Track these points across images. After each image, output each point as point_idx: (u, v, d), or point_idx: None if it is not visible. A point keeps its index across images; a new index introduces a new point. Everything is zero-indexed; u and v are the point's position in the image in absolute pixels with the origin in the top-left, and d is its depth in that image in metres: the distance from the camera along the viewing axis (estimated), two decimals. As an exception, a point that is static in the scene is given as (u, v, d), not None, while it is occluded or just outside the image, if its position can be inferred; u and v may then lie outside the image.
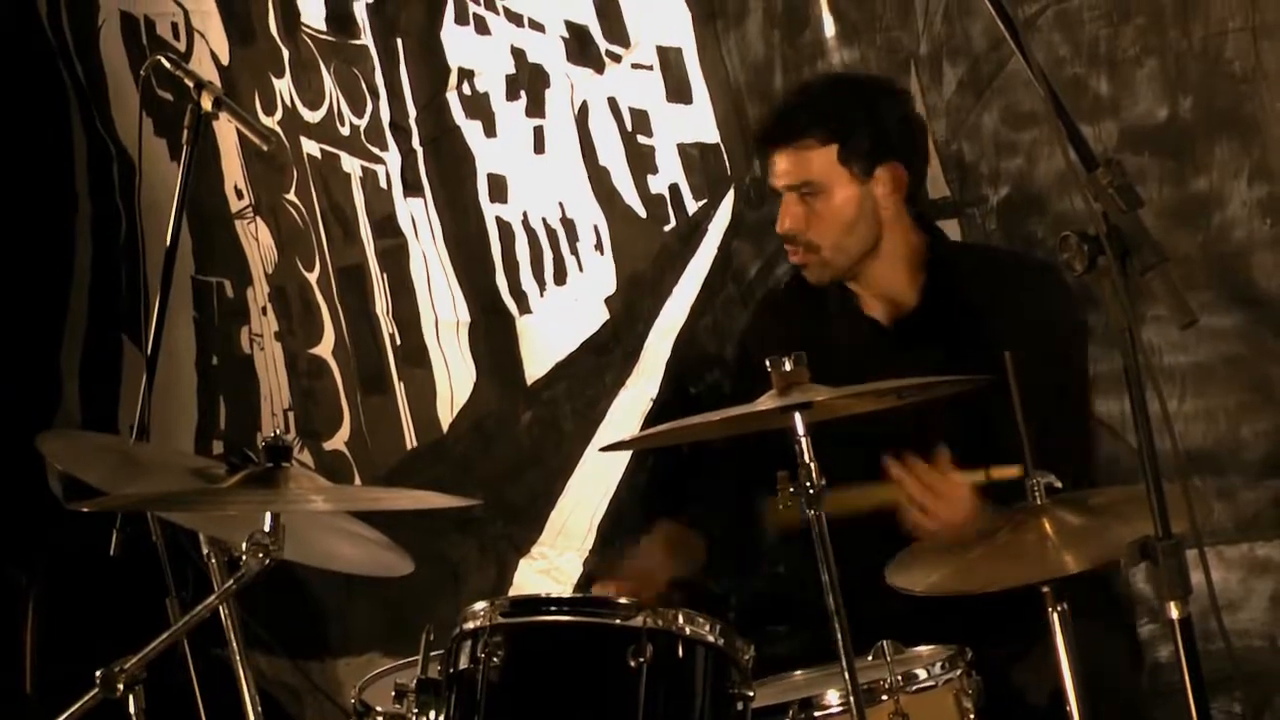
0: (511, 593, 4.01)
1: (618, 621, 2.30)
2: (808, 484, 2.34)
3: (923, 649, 2.57)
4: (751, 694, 2.34)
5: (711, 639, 2.34)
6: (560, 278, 4.15)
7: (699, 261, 3.91)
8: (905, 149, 2.96)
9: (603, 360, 4.06)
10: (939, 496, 2.70)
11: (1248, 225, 3.21)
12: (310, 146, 4.41)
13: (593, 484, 4.09)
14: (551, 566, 3.98)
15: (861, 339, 2.98)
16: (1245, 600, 3.20)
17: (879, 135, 2.92)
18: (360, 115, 4.31)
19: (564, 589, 3.78)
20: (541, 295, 4.22)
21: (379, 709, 2.45)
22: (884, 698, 2.44)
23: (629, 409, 4.02)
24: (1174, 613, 2.03)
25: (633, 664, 2.25)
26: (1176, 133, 3.27)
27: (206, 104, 2.89)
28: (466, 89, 4.22)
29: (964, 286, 2.95)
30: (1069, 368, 2.91)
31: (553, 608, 2.42)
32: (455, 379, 4.34)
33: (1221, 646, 2.60)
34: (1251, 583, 3.28)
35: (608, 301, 4.07)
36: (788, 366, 2.43)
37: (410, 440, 4.38)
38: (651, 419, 3.83)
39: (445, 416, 4.33)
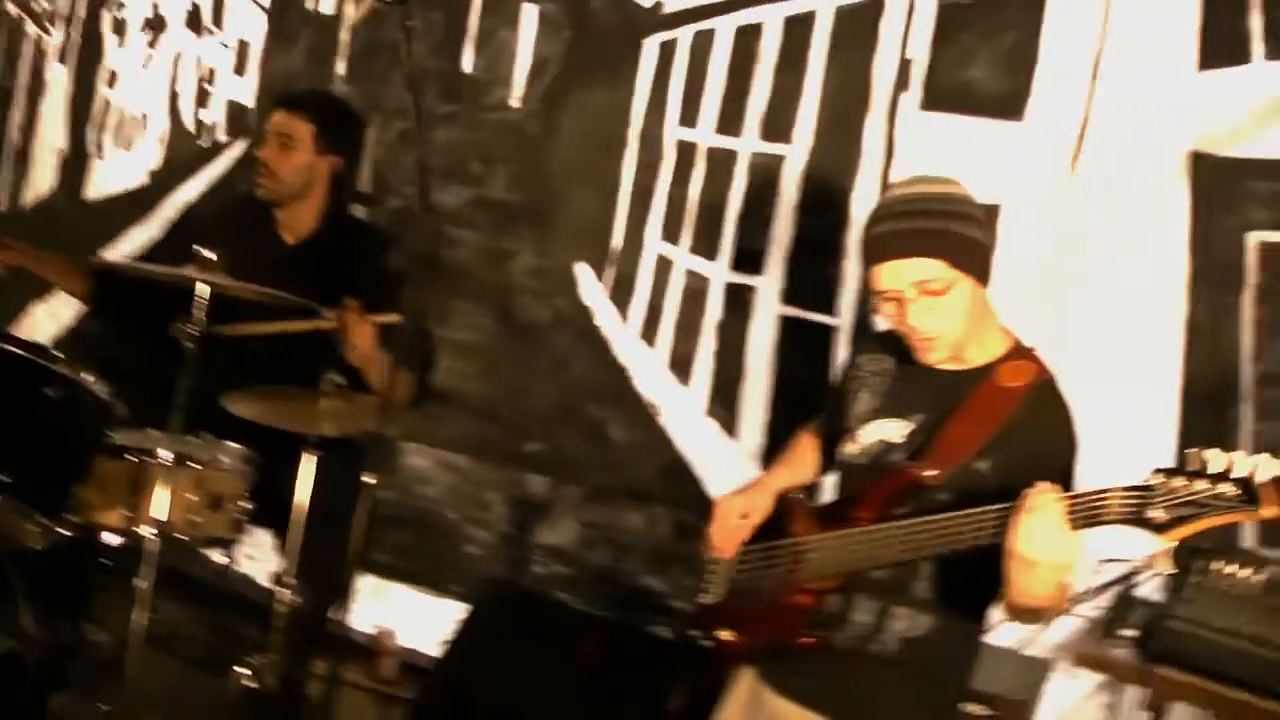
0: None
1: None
2: (199, 329, 2.73)
3: (229, 444, 2.92)
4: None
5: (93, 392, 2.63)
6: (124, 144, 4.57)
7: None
8: (348, 149, 3.33)
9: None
10: (355, 332, 2.91)
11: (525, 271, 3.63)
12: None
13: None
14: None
15: (274, 252, 3.26)
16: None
17: (340, 138, 3.27)
18: None
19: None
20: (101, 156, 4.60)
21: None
22: (191, 465, 2.82)
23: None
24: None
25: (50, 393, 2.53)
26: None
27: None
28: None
29: (339, 237, 3.26)
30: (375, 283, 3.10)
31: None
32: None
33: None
34: (440, 474, 3.72)
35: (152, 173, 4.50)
36: (209, 255, 2.79)
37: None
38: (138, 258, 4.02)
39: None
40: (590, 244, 3.68)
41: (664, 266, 3.60)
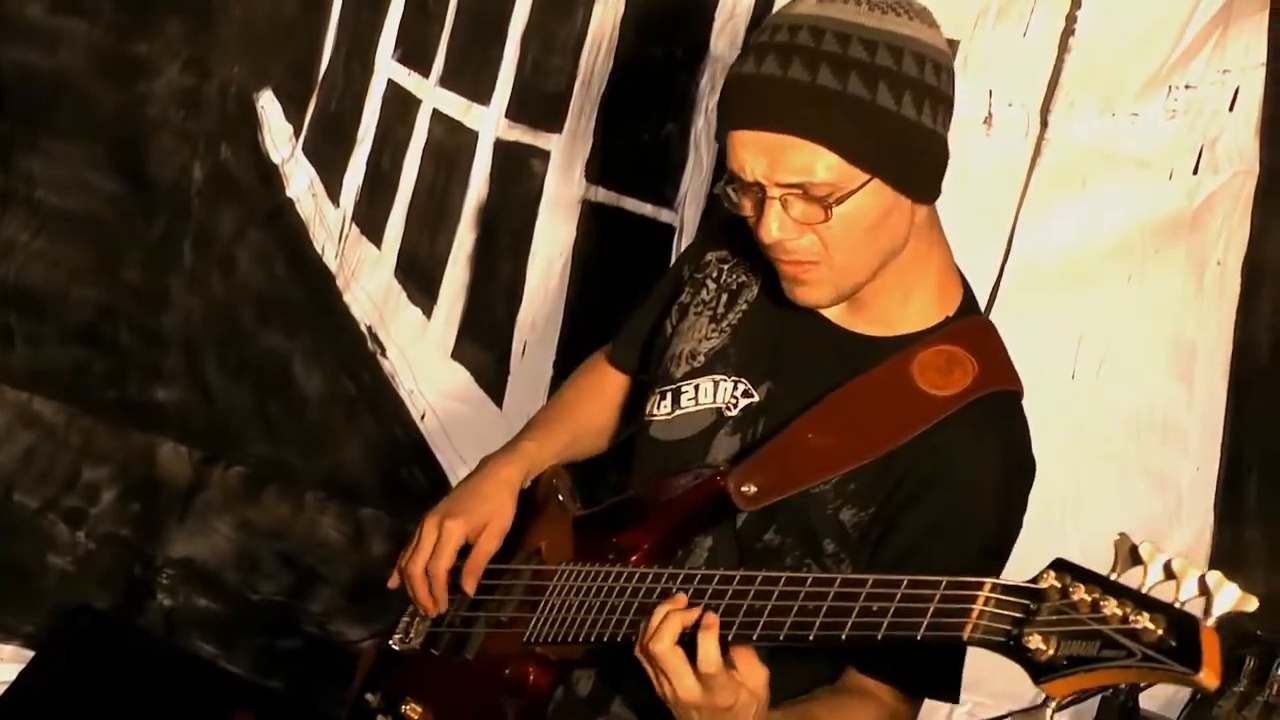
0: None
1: None
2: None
3: None
4: None
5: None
6: None
7: None
8: None
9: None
10: None
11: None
12: None
13: None
14: None
15: None
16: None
17: None
18: None
19: None
20: None
21: None
22: None
23: None
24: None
25: None
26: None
27: None
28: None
29: None
30: None
31: None
32: None
33: None
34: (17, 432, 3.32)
35: None
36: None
37: None
38: None
39: None
40: (280, 59, 3.20)
41: (400, 106, 3.15)
